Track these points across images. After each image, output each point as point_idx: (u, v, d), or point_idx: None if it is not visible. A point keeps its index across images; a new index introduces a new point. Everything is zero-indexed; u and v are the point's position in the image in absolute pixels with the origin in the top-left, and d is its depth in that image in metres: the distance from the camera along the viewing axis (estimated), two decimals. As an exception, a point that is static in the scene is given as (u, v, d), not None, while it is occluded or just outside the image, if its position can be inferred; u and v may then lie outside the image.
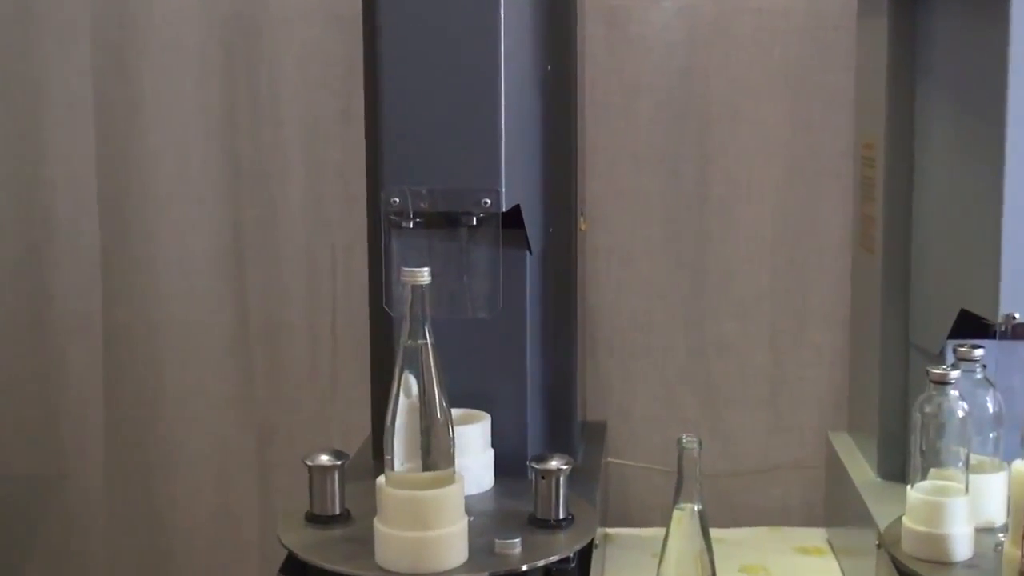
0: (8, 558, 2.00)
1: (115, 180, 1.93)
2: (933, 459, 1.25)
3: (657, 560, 1.18)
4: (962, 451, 1.24)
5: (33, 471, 1.98)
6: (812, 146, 1.84)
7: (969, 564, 1.23)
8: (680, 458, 1.16)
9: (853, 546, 1.53)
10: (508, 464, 1.41)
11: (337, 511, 1.31)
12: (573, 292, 1.56)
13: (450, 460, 1.20)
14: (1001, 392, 1.32)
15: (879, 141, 1.52)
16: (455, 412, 1.22)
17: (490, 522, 1.30)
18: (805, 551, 1.70)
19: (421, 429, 1.18)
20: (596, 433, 1.77)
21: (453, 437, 1.20)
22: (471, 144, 1.28)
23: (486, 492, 1.39)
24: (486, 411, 1.41)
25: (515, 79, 1.31)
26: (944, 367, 1.25)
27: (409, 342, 1.18)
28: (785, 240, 1.87)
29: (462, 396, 1.33)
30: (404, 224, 1.30)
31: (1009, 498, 1.21)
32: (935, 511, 1.23)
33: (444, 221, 1.33)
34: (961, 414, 1.24)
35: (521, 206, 1.35)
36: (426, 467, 1.18)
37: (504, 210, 1.29)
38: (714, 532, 1.18)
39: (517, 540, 1.22)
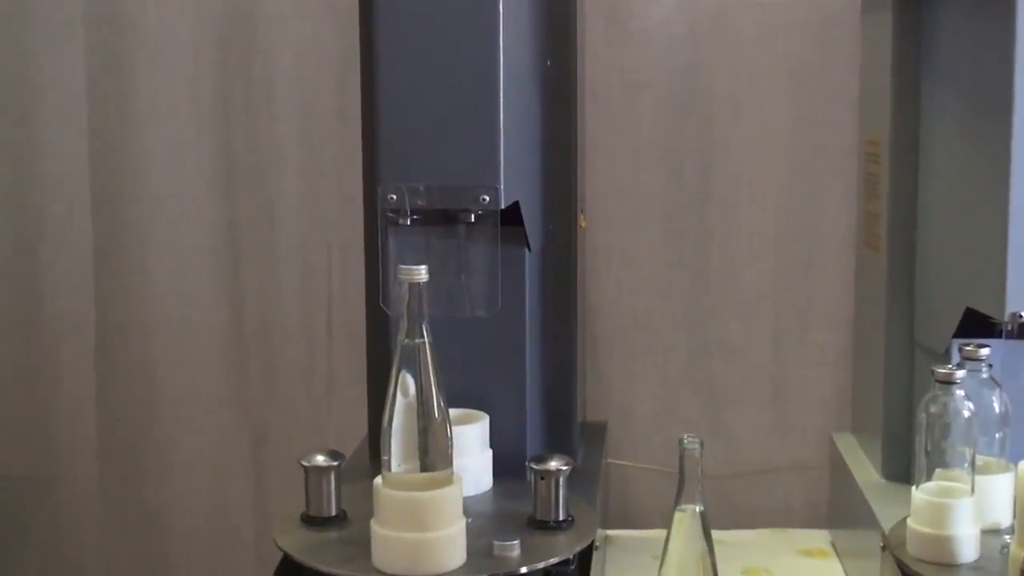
0: (-1, 561, 2.00)
1: (108, 177, 1.93)
2: (938, 460, 1.25)
3: (658, 562, 1.18)
4: (968, 452, 1.24)
5: (25, 473, 1.98)
6: (815, 142, 1.84)
7: (975, 566, 1.23)
8: (681, 459, 1.15)
9: (857, 548, 1.53)
10: (507, 465, 1.41)
11: (333, 512, 1.31)
12: (573, 291, 1.56)
13: (448, 461, 1.19)
14: (1007, 392, 1.32)
15: (883, 137, 1.52)
16: (453, 412, 1.22)
17: (489, 524, 1.30)
18: (808, 553, 1.70)
19: (419, 429, 1.18)
20: (596, 433, 1.77)
21: (451, 437, 1.20)
22: (469, 140, 1.28)
23: (485, 493, 1.39)
24: (485, 411, 1.41)
25: (514, 74, 1.31)
26: (950, 366, 1.25)
27: (406, 341, 1.18)
28: (788, 238, 1.87)
29: (460, 396, 1.32)
30: (401, 221, 1.29)
31: (1015, 499, 1.21)
32: (940, 512, 1.23)
33: (442, 218, 1.33)
34: (967, 414, 1.24)
35: (520, 203, 1.35)
36: (424, 468, 1.18)
37: (503, 207, 1.29)
38: (716, 534, 1.18)
39: (516, 542, 1.22)
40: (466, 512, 1.22)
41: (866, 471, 1.57)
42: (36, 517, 1.99)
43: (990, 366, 1.31)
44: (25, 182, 1.93)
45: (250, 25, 1.88)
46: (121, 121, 1.91)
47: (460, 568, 1.19)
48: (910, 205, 1.50)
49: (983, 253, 1.30)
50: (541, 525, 1.29)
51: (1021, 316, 1.25)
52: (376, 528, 1.20)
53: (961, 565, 1.23)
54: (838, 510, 1.70)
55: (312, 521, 1.30)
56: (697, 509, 1.16)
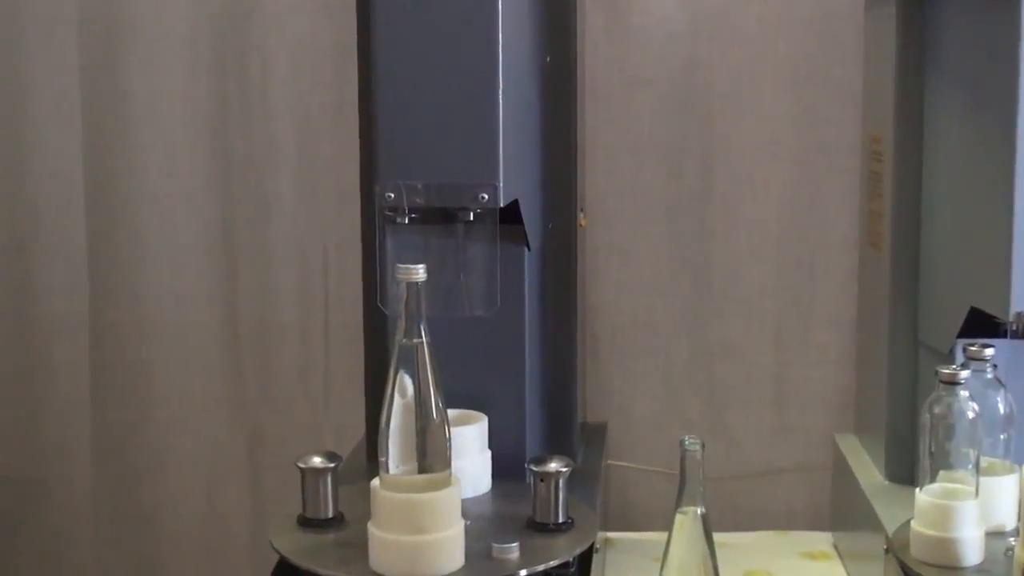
0: (-8, 564, 2.00)
1: (102, 175, 1.93)
2: (942, 461, 1.25)
3: (659, 565, 1.18)
4: (972, 453, 1.24)
5: (18, 474, 1.98)
6: (818, 140, 1.84)
7: (979, 569, 1.23)
8: (682, 460, 1.15)
9: (860, 551, 1.53)
10: (506, 466, 1.40)
11: (330, 514, 1.31)
12: (573, 290, 1.56)
13: (446, 462, 1.19)
14: (1012, 392, 1.32)
15: (887, 135, 1.52)
16: (451, 413, 1.22)
17: (487, 526, 1.29)
18: (811, 556, 1.70)
19: (416, 430, 1.18)
20: (596, 434, 1.77)
21: (449, 438, 1.19)
22: (468, 138, 1.28)
23: (483, 495, 1.39)
24: (483, 412, 1.41)
25: (513, 71, 1.31)
26: (954, 367, 1.25)
27: (404, 341, 1.18)
28: (790, 237, 1.87)
29: (459, 396, 1.32)
30: (399, 220, 1.29)
31: (1020, 501, 1.21)
32: (944, 515, 1.23)
33: (440, 216, 1.33)
34: (971, 415, 1.24)
35: (519, 201, 1.35)
36: (421, 469, 1.18)
37: (502, 205, 1.29)
38: (717, 536, 1.18)
39: (515, 544, 1.21)
40: (464, 514, 1.21)
41: (869, 472, 1.57)
42: (29, 518, 1.99)
43: (995, 366, 1.30)
44: (18, 180, 1.93)
45: (245, 22, 1.88)
46: (115, 119, 1.91)
47: (458, 571, 1.19)
48: (914, 203, 1.50)
49: (988, 252, 1.30)
50: (540, 527, 1.28)
51: (1026, 316, 1.26)
52: (373, 530, 1.19)
53: (965, 568, 1.22)
54: (841, 512, 1.70)
55: (309, 523, 1.30)
56: (698, 511, 1.16)
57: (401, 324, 1.18)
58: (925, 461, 1.26)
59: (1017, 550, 1.19)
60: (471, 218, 1.30)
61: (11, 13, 1.89)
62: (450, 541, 1.19)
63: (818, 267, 1.87)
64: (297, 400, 1.95)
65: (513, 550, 1.21)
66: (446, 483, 1.19)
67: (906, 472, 1.46)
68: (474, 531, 1.23)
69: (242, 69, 1.89)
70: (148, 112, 1.91)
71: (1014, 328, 1.29)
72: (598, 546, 1.37)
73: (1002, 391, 1.31)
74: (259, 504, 1.96)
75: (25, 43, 1.90)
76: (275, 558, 1.25)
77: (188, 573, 1.99)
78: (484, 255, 1.35)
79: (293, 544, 1.26)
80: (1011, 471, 1.31)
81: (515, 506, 1.33)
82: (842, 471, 1.66)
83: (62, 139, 1.92)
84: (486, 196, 1.28)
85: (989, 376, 1.30)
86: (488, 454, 1.41)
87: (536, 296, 1.46)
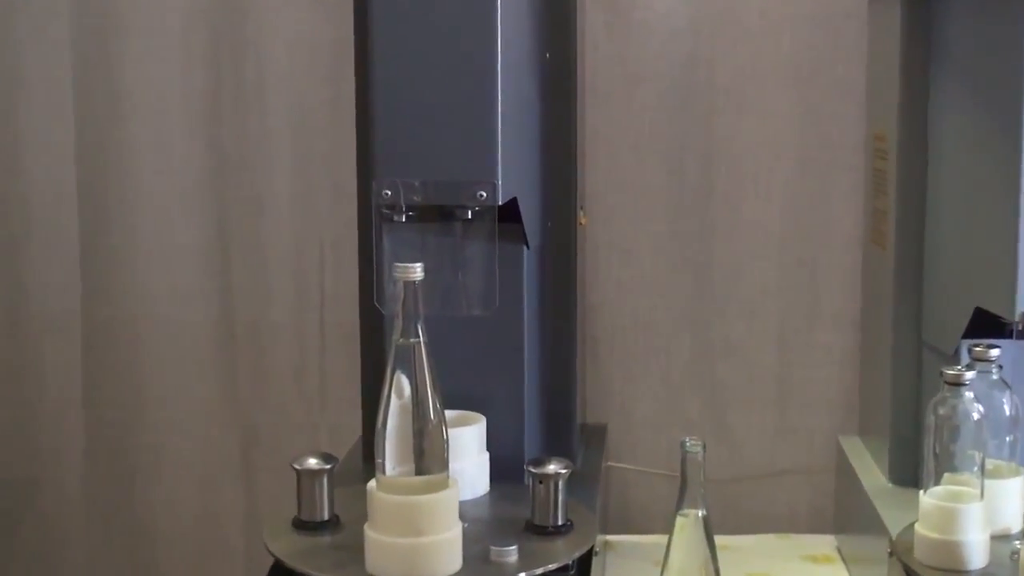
0: (-18, 566, 2.00)
1: (95, 172, 1.93)
2: (947, 463, 1.25)
3: (659, 569, 1.18)
4: (977, 455, 1.24)
5: (9, 475, 1.98)
6: (821, 138, 1.84)
7: (985, 573, 1.23)
8: (683, 462, 1.15)
9: (864, 554, 1.54)
10: (504, 468, 1.40)
11: (326, 517, 1.31)
12: (572, 289, 1.56)
13: (444, 464, 1.19)
14: (1018, 394, 1.32)
15: (891, 132, 1.52)
16: (449, 414, 1.22)
17: (485, 529, 1.30)
18: (814, 559, 1.70)
19: (413, 431, 1.18)
20: (596, 436, 1.77)
21: (447, 440, 1.19)
22: (466, 135, 1.28)
23: (481, 497, 1.39)
24: (481, 413, 1.41)
25: (512, 67, 1.31)
26: (959, 367, 1.25)
27: (401, 341, 1.18)
28: (793, 236, 1.87)
29: (456, 397, 1.32)
30: (396, 218, 1.29)
31: (1026, 504, 1.22)
32: (949, 517, 1.23)
33: (438, 215, 1.33)
34: (976, 416, 1.24)
35: (518, 199, 1.35)
36: (419, 471, 1.18)
37: (500, 203, 1.29)
38: (719, 539, 1.18)
39: (514, 547, 1.22)
40: (462, 517, 1.22)
41: (873, 475, 1.57)
42: (20, 521, 1.99)
43: (1000, 367, 1.31)
44: (10, 177, 1.93)
45: (240, 14, 1.88)
46: (108, 113, 1.91)
47: (456, 574, 1.19)
48: (919, 202, 1.50)
49: (993, 251, 1.30)
50: (539, 530, 1.29)
51: (1032, 316, 1.26)
52: (370, 533, 1.20)
53: (970, 572, 1.23)
54: (844, 515, 1.70)
55: (304, 526, 1.30)
56: (699, 514, 1.16)
57: (398, 324, 1.18)
58: (929, 463, 1.26)
59: (1023, 553, 1.19)
60: (469, 216, 1.30)
61: (3, 7, 1.89)
62: (448, 544, 1.19)
63: (821, 266, 1.87)
64: (292, 400, 1.95)
65: (511, 553, 1.21)
66: (443, 485, 1.19)
67: (910, 474, 1.46)
68: (472, 534, 1.23)
69: (237, 64, 1.89)
70: (141, 108, 1.90)
71: (1020, 328, 1.29)
72: (597, 549, 1.37)
73: (1008, 392, 1.31)
74: (253, 506, 1.96)
75: (17, 38, 1.90)
76: (270, 561, 1.26)
77: (181, 575, 1.99)
78: (482, 254, 1.35)
79: (288, 547, 1.26)
80: (1017, 473, 1.31)
81: (513, 508, 1.33)
82: (845, 473, 1.67)
83: (54, 135, 1.91)
84: (484, 194, 1.28)
85: (994, 377, 1.30)
86: (486, 456, 1.41)
87: (535, 295, 1.46)
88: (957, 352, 1.38)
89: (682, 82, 1.86)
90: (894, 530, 1.34)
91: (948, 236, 1.45)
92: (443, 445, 1.19)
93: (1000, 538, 1.26)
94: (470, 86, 1.27)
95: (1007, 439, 1.31)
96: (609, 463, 1.80)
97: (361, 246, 1.50)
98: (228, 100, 1.90)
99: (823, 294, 1.87)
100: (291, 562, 1.23)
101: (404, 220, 1.30)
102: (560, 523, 1.29)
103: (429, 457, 1.18)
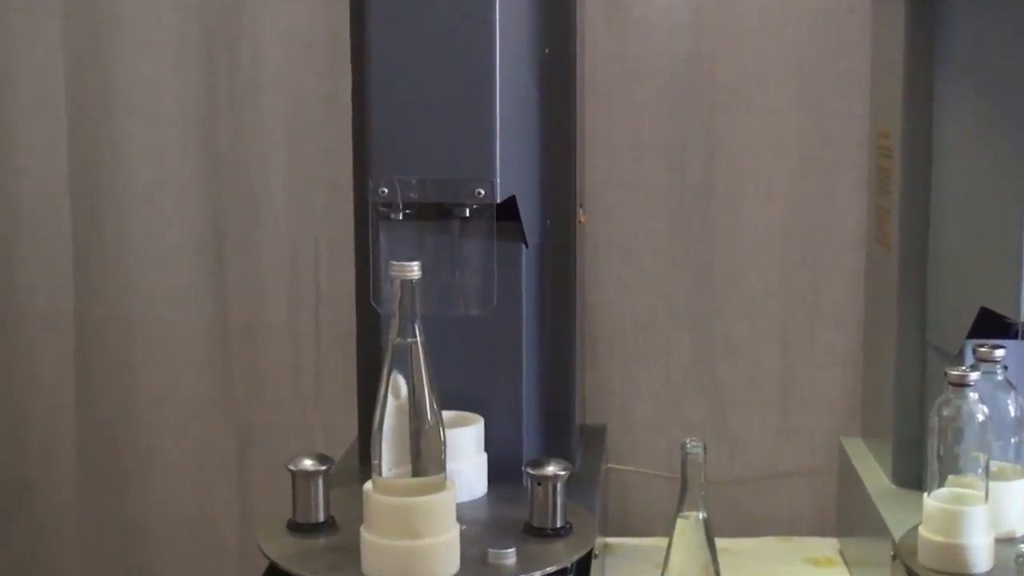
0: (-27, 569, 2.00)
1: (87, 169, 1.92)
2: (951, 465, 1.25)
3: (659, 571, 1.18)
4: (982, 457, 1.24)
5: (0, 476, 1.98)
6: (824, 135, 1.84)
7: (989, 576, 1.23)
8: (684, 464, 1.15)
9: (866, 557, 1.53)
10: (502, 470, 1.40)
11: (321, 519, 1.31)
12: (572, 288, 1.56)
13: (441, 465, 1.19)
14: (1023, 395, 1.32)
15: (895, 130, 1.52)
16: (446, 414, 1.22)
17: (483, 531, 1.30)
18: (816, 562, 1.70)
19: (410, 432, 1.18)
20: (595, 437, 1.77)
21: (444, 441, 1.19)
22: (464, 132, 1.28)
23: (479, 499, 1.39)
24: (479, 413, 1.41)
25: (511, 63, 1.31)
26: (963, 368, 1.25)
27: (398, 340, 1.18)
28: (796, 235, 1.87)
29: (454, 397, 1.32)
30: (393, 216, 1.29)
31: (1031, 507, 1.22)
32: (953, 520, 1.23)
33: (435, 213, 1.33)
34: (981, 418, 1.24)
35: (517, 197, 1.35)
36: (416, 472, 1.18)
37: (499, 201, 1.29)
38: (720, 542, 1.18)
39: (512, 550, 1.22)
40: (460, 519, 1.21)
41: (876, 477, 1.57)
42: (12, 522, 1.99)
43: (1005, 368, 1.31)
44: (1, 175, 1.92)
45: (235, 9, 1.88)
46: (101, 110, 1.91)
47: (453, 577, 1.19)
48: (923, 201, 1.50)
49: (998, 251, 1.30)
50: (538, 532, 1.29)
51: (1037, 316, 1.26)
52: (366, 535, 1.19)
53: (974, 575, 1.23)
54: (847, 517, 1.70)
55: (299, 528, 1.30)
56: (700, 516, 1.16)
57: (395, 323, 1.18)
58: (933, 465, 1.26)
59: (1027, 557, 1.19)
60: (467, 214, 1.30)
61: (-7, 2, 1.90)
62: (445, 546, 1.19)
63: (824, 265, 1.87)
64: (287, 401, 1.95)
65: (510, 556, 1.21)
66: (441, 487, 1.19)
67: (914, 476, 1.46)
68: (469, 536, 1.23)
69: (231, 60, 1.89)
70: (135, 104, 1.90)
71: (1025, 328, 1.29)
72: (597, 552, 1.37)
73: (1012, 393, 1.31)
74: (248, 507, 1.96)
75: (8, 35, 1.90)
76: (264, 563, 1.26)
77: (175, 577, 1.99)
78: (480, 252, 1.35)
79: (283, 549, 1.26)
80: (1022, 475, 1.31)
81: (512, 510, 1.33)
82: (848, 475, 1.67)
83: (46, 132, 1.91)
84: (482, 192, 1.27)
85: (999, 378, 1.30)
86: (484, 457, 1.41)
87: (534, 294, 1.46)
88: (961, 352, 1.38)
89: (683, 79, 1.85)
90: (897, 533, 1.34)
91: (953, 235, 1.45)
92: (440, 446, 1.19)
93: (1005, 541, 1.26)
94: (468, 82, 1.27)
95: (1012, 441, 1.31)
96: (609, 464, 1.80)
97: (357, 244, 1.50)
98: (222, 97, 1.90)
99: (825, 294, 1.87)
100: (286, 564, 1.23)
101: (401, 218, 1.29)
102: (559, 525, 1.29)
103: (426, 458, 1.18)
